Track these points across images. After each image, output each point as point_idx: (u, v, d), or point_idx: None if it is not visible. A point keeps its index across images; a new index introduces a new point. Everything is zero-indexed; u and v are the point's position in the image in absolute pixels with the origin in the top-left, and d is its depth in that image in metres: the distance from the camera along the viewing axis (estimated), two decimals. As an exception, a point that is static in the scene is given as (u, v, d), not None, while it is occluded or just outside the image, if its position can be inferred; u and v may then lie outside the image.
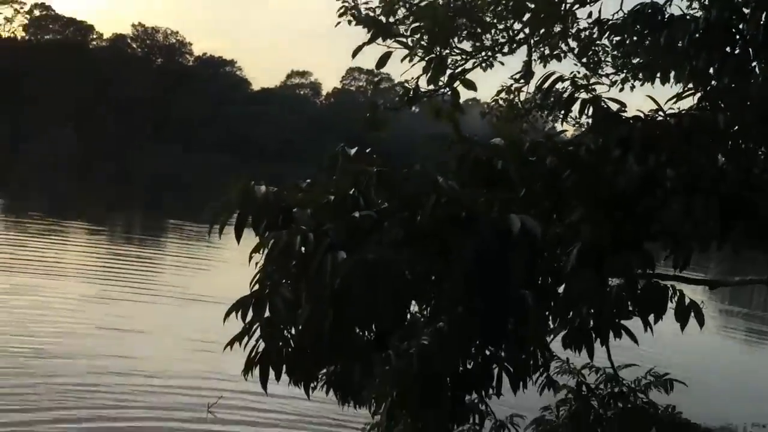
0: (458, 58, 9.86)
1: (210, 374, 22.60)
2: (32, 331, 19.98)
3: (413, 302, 4.28)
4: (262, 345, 3.28)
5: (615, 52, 10.75)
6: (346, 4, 9.40)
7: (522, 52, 10.27)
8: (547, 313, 4.95)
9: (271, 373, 3.46)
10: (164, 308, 25.09)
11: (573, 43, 10.65)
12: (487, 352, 4.97)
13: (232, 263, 28.81)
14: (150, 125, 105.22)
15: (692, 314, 3.87)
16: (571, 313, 4.09)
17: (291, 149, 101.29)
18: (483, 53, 10.04)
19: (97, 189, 57.60)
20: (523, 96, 11.60)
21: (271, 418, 19.15)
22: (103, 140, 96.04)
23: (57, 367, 18.77)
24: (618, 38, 8.51)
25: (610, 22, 9.18)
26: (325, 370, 6.37)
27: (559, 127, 11.44)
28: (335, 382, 6.32)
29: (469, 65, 10.10)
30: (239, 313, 3.18)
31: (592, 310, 3.96)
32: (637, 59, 9.09)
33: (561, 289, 4.52)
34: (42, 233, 33.73)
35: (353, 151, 3.37)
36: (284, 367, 3.32)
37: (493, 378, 5.26)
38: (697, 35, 4.81)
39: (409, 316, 4.94)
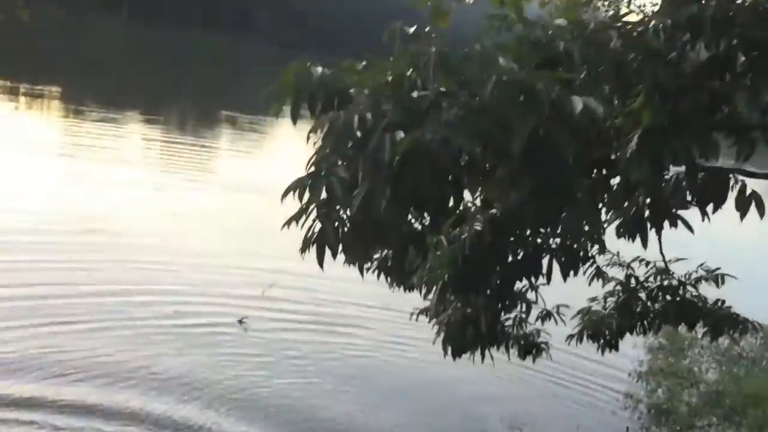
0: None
1: (264, 257, 23.51)
2: (88, 214, 20.77)
3: (466, 191, 4.31)
4: (318, 225, 3.35)
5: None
6: None
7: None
8: (600, 205, 4.94)
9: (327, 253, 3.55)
10: (217, 197, 25.78)
11: None
12: (539, 240, 5.03)
13: (282, 153, 29.17)
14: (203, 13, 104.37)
15: (753, 205, 3.79)
16: (626, 203, 4.05)
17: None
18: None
19: (150, 77, 57.89)
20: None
21: (320, 299, 19.96)
22: (156, 27, 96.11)
23: (115, 246, 19.84)
24: None
25: None
26: (377, 255, 6.59)
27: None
28: (386, 267, 6.53)
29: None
30: (296, 193, 3.22)
31: (649, 200, 3.91)
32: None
33: (616, 181, 4.48)
34: (95, 121, 34.45)
35: (412, 30, 3.30)
36: (340, 247, 3.38)
37: (543, 266, 5.35)
38: None
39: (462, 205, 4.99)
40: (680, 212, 4.25)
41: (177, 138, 35.01)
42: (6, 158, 23.69)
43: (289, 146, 31.51)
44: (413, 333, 17.40)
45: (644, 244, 4.23)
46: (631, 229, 4.12)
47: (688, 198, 3.86)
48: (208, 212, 23.77)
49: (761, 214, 3.69)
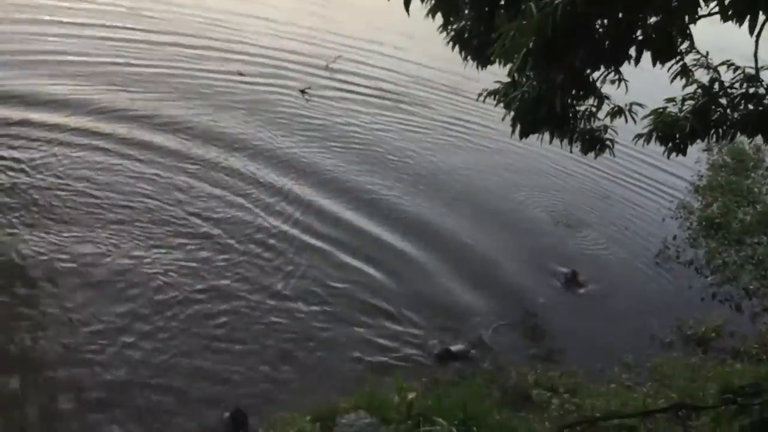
0: None
1: (333, 32, 23.12)
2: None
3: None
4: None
5: None
6: None
7: None
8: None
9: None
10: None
11: None
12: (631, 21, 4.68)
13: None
14: None
15: None
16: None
17: None
18: None
19: None
20: None
21: (386, 76, 19.87)
22: None
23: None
24: None
25: None
26: (456, 24, 6.31)
27: None
28: (463, 38, 6.27)
29: None
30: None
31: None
32: None
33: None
34: None
35: None
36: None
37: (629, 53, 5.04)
38: None
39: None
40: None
41: None
42: None
43: None
44: (475, 119, 17.47)
45: (752, 28, 3.88)
46: (743, 8, 3.75)
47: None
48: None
49: None
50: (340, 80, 18.89)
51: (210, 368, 7.89)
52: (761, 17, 4.10)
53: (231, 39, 19.60)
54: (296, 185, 12.40)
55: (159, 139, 12.74)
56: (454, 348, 9.02)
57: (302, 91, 17.38)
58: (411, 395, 6.85)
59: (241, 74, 17.50)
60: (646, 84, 8.23)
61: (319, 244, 10.79)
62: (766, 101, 7.21)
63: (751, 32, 4.12)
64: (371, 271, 10.42)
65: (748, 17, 3.84)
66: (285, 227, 11.02)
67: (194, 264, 9.54)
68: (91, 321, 8.07)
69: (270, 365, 8.20)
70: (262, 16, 22.69)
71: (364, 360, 8.65)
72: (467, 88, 17.81)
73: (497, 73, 6.66)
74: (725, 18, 4.04)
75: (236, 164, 12.57)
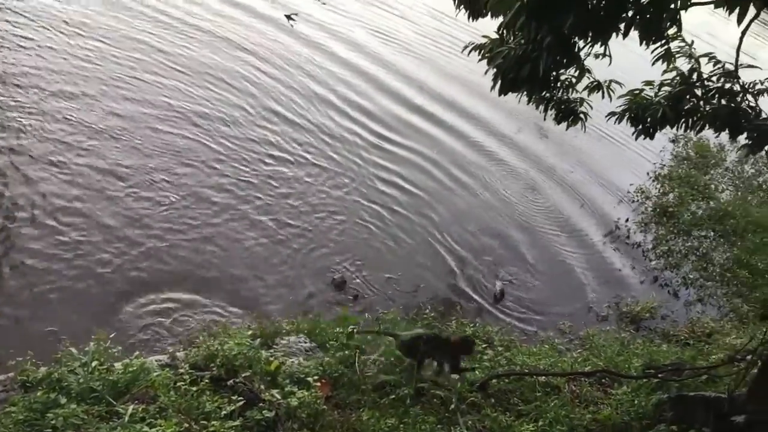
0: None
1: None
2: None
3: None
4: None
5: None
6: None
7: None
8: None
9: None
10: None
11: None
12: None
13: None
14: None
15: None
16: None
17: None
18: None
19: None
20: None
21: (370, 18, 19.60)
22: None
23: None
24: None
25: None
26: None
27: None
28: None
29: None
30: None
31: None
32: None
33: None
34: None
35: None
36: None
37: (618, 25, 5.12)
38: None
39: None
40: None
41: None
42: None
43: None
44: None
45: (740, 18, 4.00)
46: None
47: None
48: None
49: None
50: (329, 12, 18.74)
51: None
52: (751, 10, 4.20)
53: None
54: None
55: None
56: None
57: (288, 17, 17.09)
58: (352, 326, 7.04)
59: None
60: (628, 64, 8.35)
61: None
62: (738, 98, 7.40)
63: (739, 22, 4.24)
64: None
65: (738, 7, 3.94)
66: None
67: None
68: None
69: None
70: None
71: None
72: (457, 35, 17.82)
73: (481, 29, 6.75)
74: (716, 5, 4.14)
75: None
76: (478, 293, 10.11)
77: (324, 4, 19.26)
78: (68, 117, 10.35)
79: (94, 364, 5.66)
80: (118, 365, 5.82)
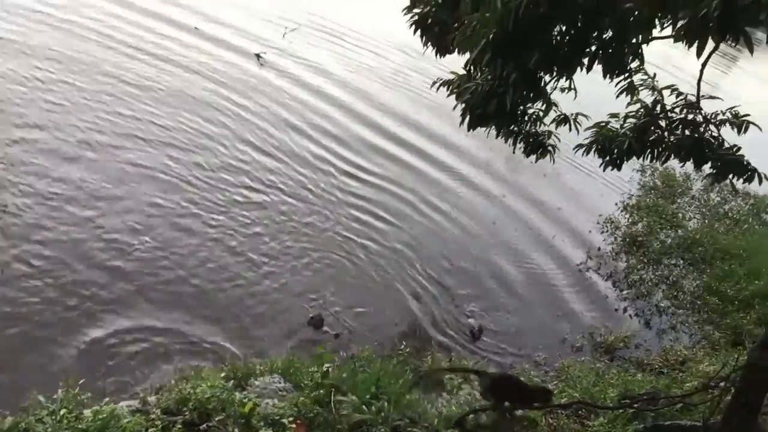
0: None
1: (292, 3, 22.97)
2: None
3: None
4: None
5: None
6: None
7: None
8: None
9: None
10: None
11: None
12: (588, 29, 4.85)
13: None
14: None
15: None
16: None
17: None
18: None
19: None
20: None
21: (340, 52, 19.78)
22: None
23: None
24: None
25: None
26: (419, 8, 6.38)
27: None
28: (426, 23, 6.35)
29: None
30: None
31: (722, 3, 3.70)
32: None
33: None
34: None
35: None
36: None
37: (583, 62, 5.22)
38: None
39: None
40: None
41: None
42: None
43: None
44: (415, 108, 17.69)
45: (699, 52, 4.10)
46: (694, 32, 3.96)
47: (762, 16, 3.67)
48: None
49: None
50: (294, 51, 18.93)
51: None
52: (710, 45, 4.31)
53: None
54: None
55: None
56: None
57: (258, 55, 17.21)
58: (327, 365, 6.94)
59: (197, 29, 17.25)
60: (593, 97, 8.49)
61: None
62: (701, 129, 7.56)
63: (699, 55, 4.35)
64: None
65: (697, 41, 4.04)
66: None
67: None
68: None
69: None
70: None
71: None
72: (424, 72, 18.06)
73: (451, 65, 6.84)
74: (676, 39, 4.25)
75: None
76: (453, 327, 10.07)
77: (285, 35, 19.53)
78: (39, 150, 10.24)
79: (62, 412, 5.48)
80: (87, 412, 5.63)
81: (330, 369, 6.92)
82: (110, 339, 7.76)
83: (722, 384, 8.24)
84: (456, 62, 6.10)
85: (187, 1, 19.29)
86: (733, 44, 4.24)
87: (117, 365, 7.49)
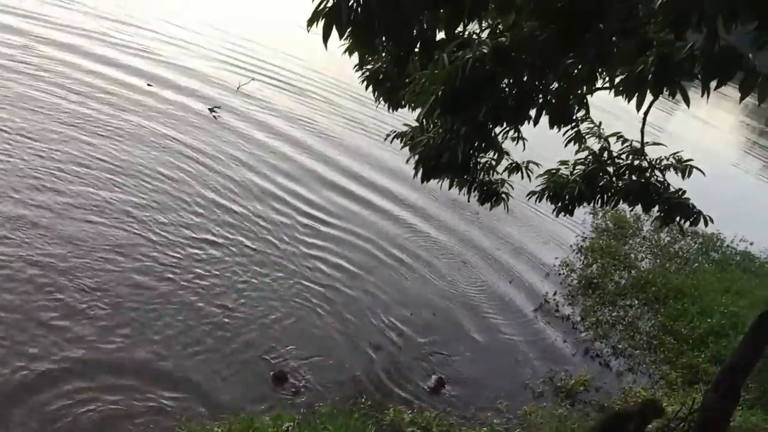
0: None
1: (246, 53, 23.16)
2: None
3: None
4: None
5: None
6: None
7: None
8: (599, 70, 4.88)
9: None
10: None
11: None
12: (535, 83, 5.00)
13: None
14: None
15: (755, 90, 3.80)
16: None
17: None
18: None
19: None
20: None
21: (291, 108, 19.89)
22: None
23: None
24: None
25: None
26: (371, 65, 6.49)
27: None
28: (377, 79, 6.46)
29: None
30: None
31: (659, 59, 3.87)
32: None
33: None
34: None
35: None
36: (348, 29, 3.30)
37: (530, 114, 5.36)
38: None
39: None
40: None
41: None
42: None
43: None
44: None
45: (639, 104, 4.25)
46: (632, 87, 4.11)
47: (696, 69, 3.85)
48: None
49: (761, 99, 3.71)
50: (249, 104, 19.00)
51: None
52: (649, 97, 4.48)
53: (133, 60, 19.20)
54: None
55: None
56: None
57: (211, 109, 17.20)
58: (287, 424, 6.80)
59: (150, 85, 17.21)
60: (544, 144, 8.69)
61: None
62: (647, 174, 7.80)
63: (638, 108, 4.52)
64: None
65: (636, 95, 4.20)
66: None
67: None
68: None
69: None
70: (176, 35, 22.47)
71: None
72: (375, 127, 18.27)
73: (407, 117, 6.95)
74: (616, 93, 4.40)
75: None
76: (414, 379, 9.96)
77: (238, 89, 19.68)
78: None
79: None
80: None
81: (290, 429, 6.78)
82: (61, 400, 7.43)
83: (682, 425, 8.34)
84: (410, 114, 6.21)
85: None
86: (671, 98, 4.41)
87: (67, 427, 7.16)
